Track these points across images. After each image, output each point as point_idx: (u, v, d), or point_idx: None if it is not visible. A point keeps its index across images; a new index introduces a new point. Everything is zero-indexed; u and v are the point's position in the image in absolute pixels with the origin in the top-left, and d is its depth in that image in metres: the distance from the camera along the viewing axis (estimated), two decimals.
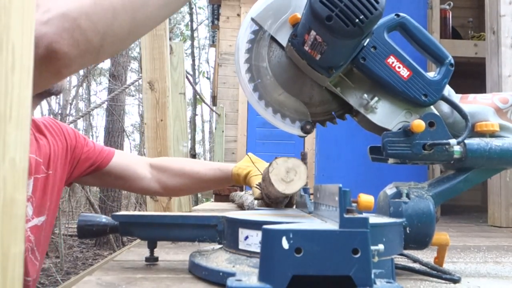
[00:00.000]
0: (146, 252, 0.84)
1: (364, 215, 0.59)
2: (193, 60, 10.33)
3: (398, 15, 0.74)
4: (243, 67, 0.78)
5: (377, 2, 0.64)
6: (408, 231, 0.69)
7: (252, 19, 0.78)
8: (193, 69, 10.32)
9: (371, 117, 0.74)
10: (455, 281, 0.69)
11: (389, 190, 0.74)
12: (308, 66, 0.72)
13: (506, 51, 1.98)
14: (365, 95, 0.74)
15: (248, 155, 1.25)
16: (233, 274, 0.59)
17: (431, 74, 0.75)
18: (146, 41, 1.78)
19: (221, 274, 0.63)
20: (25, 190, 0.37)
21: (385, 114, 0.75)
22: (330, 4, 0.63)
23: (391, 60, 0.72)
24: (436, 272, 0.72)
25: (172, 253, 0.94)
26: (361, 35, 0.65)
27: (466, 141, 0.73)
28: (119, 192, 6.79)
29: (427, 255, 0.89)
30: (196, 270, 0.70)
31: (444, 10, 3.03)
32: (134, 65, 11.35)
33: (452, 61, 0.74)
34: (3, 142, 0.35)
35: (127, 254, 0.94)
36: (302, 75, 0.76)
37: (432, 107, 0.74)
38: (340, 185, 0.56)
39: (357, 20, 0.63)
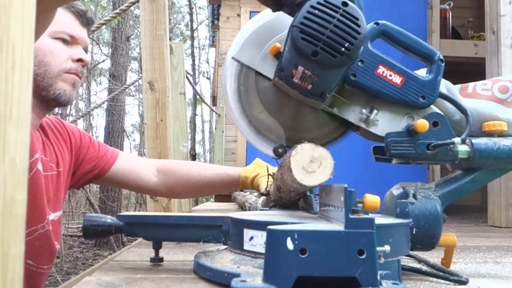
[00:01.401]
0: (146, 252, 0.83)
1: (370, 215, 0.58)
2: (193, 60, 10.34)
3: (377, 23, 0.73)
4: (233, 102, 0.78)
5: (359, 26, 0.62)
6: (414, 232, 0.68)
7: (233, 58, 0.76)
8: (193, 69, 10.33)
9: (374, 130, 0.73)
10: (463, 282, 0.68)
11: (396, 190, 0.73)
12: (300, 95, 0.70)
13: (506, 51, 1.97)
14: (363, 110, 0.73)
15: (257, 160, 1.25)
16: (237, 275, 0.59)
17: (422, 73, 0.74)
18: (146, 41, 1.77)
19: (225, 274, 0.62)
20: (25, 190, 0.37)
21: (387, 124, 0.74)
22: (312, 39, 0.62)
23: (381, 70, 0.71)
24: (443, 273, 0.71)
25: (172, 253, 0.93)
26: (350, 61, 0.64)
27: (473, 140, 0.72)
28: (119, 192, 6.80)
29: (434, 256, 0.89)
30: (200, 271, 0.69)
31: (444, 10, 3.03)
32: (134, 65, 11.37)
33: (441, 57, 0.74)
34: (3, 142, 0.34)
35: (127, 254, 0.93)
36: (295, 103, 0.75)
37: (433, 106, 0.74)
38: (346, 185, 0.56)
39: (343, 49, 0.61)
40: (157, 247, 0.81)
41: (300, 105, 0.75)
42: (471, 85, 0.79)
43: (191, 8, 9.94)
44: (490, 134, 0.74)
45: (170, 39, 2.15)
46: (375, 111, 0.73)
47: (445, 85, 0.77)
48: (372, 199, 0.61)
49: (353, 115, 0.74)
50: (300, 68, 0.65)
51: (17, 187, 0.35)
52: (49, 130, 1.10)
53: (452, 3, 3.05)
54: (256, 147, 0.79)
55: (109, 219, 0.80)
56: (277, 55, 0.72)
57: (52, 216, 1.05)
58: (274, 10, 0.71)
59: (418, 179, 0.78)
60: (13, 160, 0.35)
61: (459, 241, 0.75)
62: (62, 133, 1.13)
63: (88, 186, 6.25)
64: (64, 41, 1.03)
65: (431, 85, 0.72)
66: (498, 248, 1.15)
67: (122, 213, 0.80)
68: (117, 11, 2.17)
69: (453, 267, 0.77)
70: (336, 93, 0.73)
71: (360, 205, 0.60)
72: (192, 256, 0.76)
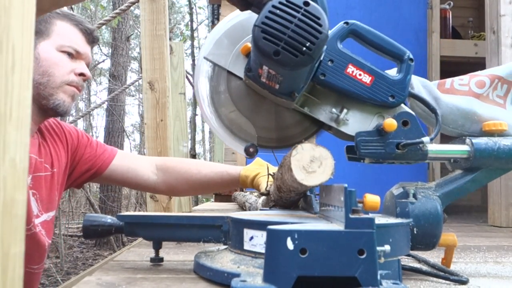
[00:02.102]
0: (146, 252, 0.83)
1: (370, 215, 0.58)
2: (193, 60, 10.32)
3: (347, 23, 0.73)
4: (205, 101, 0.78)
5: (320, 25, 0.62)
6: (415, 232, 0.68)
7: (205, 58, 0.76)
8: (193, 69, 10.32)
9: (344, 129, 0.73)
10: (463, 282, 0.68)
11: (396, 190, 0.73)
12: (270, 94, 0.71)
13: (506, 50, 1.97)
14: (334, 109, 0.73)
15: (257, 159, 1.25)
16: (237, 275, 0.59)
17: (393, 72, 0.74)
18: (146, 41, 1.77)
19: (226, 274, 0.62)
20: (25, 190, 0.37)
21: (358, 123, 0.74)
22: (274, 38, 0.62)
23: (351, 69, 0.71)
24: (443, 273, 0.71)
25: (172, 253, 0.93)
26: (312, 61, 0.64)
27: (474, 140, 0.72)
28: (119, 192, 6.80)
29: (434, 256, 0.89)
30: (201, 271, 0.69)
31: (444, 10, 3.03)
32: (134, 65, 11.36)
33: (411, 56, 0.73)
34: (3, 142, 0.34)
35: (127, 254, 0.93)
36: (266, 103, 0.75)
37: (404, 106, 0.74)
38: (346, 185, 0.56)
39: (304, 48, 0.62)
40: (157, 247, 0.81)
41: (272, 104, 0.76)
42: (448, 80, 0.79)
43: (191, 8, 9.93)
44: (490, 134, 0.74)
45: (170, 39, 2.15)
46: (345, 110, 0.73)
47: (420, 83, 0.77)
48: (372, 199, 0.61)
49: (324, 114, 0.74)
50: (265, 68, 0.65)
51: (17, 187, 0.35)
52: (46, 132, 1.12)
53: (452, 3, 3.05)
54: (229, 146, 0.79)
55: (109, 219, 0.80)
56: (248, 55, 0.72)
57: (44, 216, 1.06)
58: (242, 10, 0.72)
59: (418, 178, 0.78)
60: (13, 160, 0.35)
61: (459, 241, 0.75)
62: (59, 134, 1.16)
63: (88, 186, 6.25)
64: (69, 54, 1.07)
65: (401, 84, 0.72)
66: (498, 248, 1.15)
67: (122, 213, 0.80)
68: (117, 11, 2.17)
69: (453, 267, 0.77)
70: (307, 93, 0.73)
71: (360, 205, 0.60)
72: (192, 256, 0.76)
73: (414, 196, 0.70)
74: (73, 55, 1.08)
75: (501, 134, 0.74)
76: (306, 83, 0.71)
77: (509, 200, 1.88)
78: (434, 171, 2.74)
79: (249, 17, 0.74)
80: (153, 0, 1.77)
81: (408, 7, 2.67)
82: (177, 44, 2.49)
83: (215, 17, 7.15)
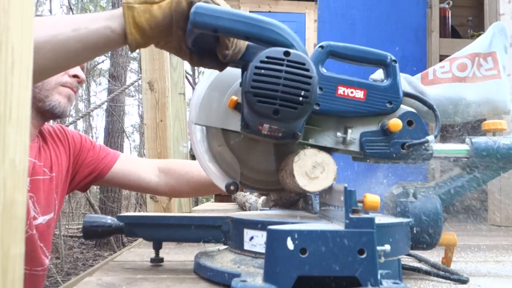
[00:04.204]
0: (146, 253, 0.83)
1: (370, 215, 0.58)
2: None
3: (321, 47, 0.72)
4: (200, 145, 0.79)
5: (308, 70, 0.61)
6: (415, 231, 0.68)
7: (197, 124, 0.76)
8: (193, 69, 10.31)
9: (353, 148, 0.73)
10: (463, 281, 0.68)
11: (396, 190, 0.73)
12: (273, 140, 0.70)
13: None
14: (338, 133, 0.72)
15: None
16: (238, 275, 0.59)
17: (379, 74, 0.74)
18: None
19: (226, 275, 0.62)
20: (25, 191, 0.37)
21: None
22: (268, 99, 0.60)
23: (341, 90, 0.70)
24: (444, 272, 0.71)
25: (172, 254, 0.93)
26: (311, 107, 0.63)
27: (473, 139, 0.72)
28: (119, 193, 6.80)
29: (434, 255, 0.89)
30: (201, 271, 0.69)
31: (444, 9, 3.03)
32: (134, 65, 11.35)
33: (393, 57, 0.73)
34: (2, 143, 0.34)
35: (127, 255, 0.93)
36: (266, 146, 0.76)
37: (403, 106, 0.73)
38: (346, 185, 0.56)
39: (300, 98, 0.61)
40: (157, 247, 0.81)
41: (271, 146, 0.76)
42: (430, 70, 0.79)
43: None
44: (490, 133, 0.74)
45: None
46: (349, 130, 0.72)
47: (406, 80, 0.76)
48: (372, 198, 0.61)
49: (329, 140, 0.73)
50: (266, 125, 0.64)
51: (17, 188, 0.35)
52: (48, 137, 1.14)
53: (451, 2, 3.05)
54: (210, 177, 0.79)
55: (109, 219, 0.80)
56: (237, 106, 0.71)
57: (40, 219, 1.07)
58: (221, 70, 0.71)
59: (418, 178, 0.78)
60: (12, 161, 0.35)
61: (459, 240, 0.75)
62: (62, 140, 1.18)
63: None
64: None
65: (393, 88, 0.72)
66: (498, 247, 1.15)
67: (122, 214, 0.80)
68: None
69: (453, 266, 0.77)
70: (307, 124, 0.72)
71: (360, 204, 0.60)
72: (192, 256, 0.76)
73: (414, 195, 0.70)
74: None
75: (500, 133, 0.74)
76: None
77: (509, 199, 1.88)
78: (434, 171, 2.74)
79: (224, 71, 0.73)
80: None
81: (408, 6, 2.66)
82: None
83: None
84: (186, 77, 2.58)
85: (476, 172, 0.73)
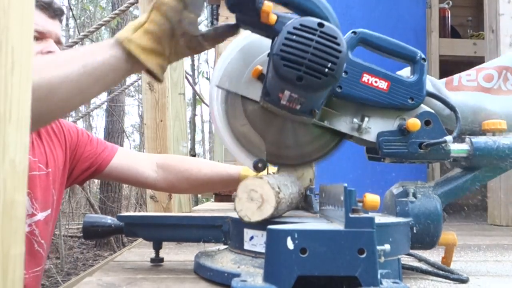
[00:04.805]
0: (146, 253, 0.83)
1: (370, 214, 0.58)
2: (193, 61, 10.32)
3: (355, 32, 0.73)
4: (219, 115, 0.79)
5: (338, 44, 0.62)
6: (415, 231, 0.69)
7: (218, 86, 0.76)
8: (193, 70, 10.31)
9: (367, 137, 0.73)
10: (463, 281, 0.68)
11: (396, 189, 0.73)
12: (289, 114, 0.70)
13: (505, 50, 1.97)
14: (355, 119, 0.73)
15: None
16: (238, 275, 0.59)
17: (406, 72, 0.74)
18: None
19: (226, 274, 0.63)
20: (25, 191, 0.37)
21: (379, 129, 0.74)
22: (295, 64, 0.62)
23: (366, 77, 0.71)
24: (443, 272, 0.71)
25: (172, 254, 0.93)
26: (336, 81, 0.64)
27: (473, 139, 0.72)
28: (119, 193, 6.79)
29: (434, 255, 0.89)
30: (201, 271, 0.69)
31: (443, 9, 3.02)
32: None
33: (423, 56, 0.74)
34: (2, 143, 0.34)
35: (127, 255, 0.94)
36: (281, 120, 0.75)
37: (423, 105, 0.73)
38: (345, 185, 0.56)
39: (326, 70, 0.62)
40: (157, 247, 0.81)
41: (288, 122, 0.75)
42: (456, 77, 0.79)
43: None
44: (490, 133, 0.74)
45: None
46: (366, 118, 0.73)
47: (430, 82, 0.76)
48: (372, 198, 0.61)
49: (344, 125, 0.74)
50: (287, 92, 0.65)
51: (17, 188, 0.35)
52: (43, 131, 1.11)
53: (451, 2, 3.05)
54: (238, 160, 0.79)
55: (109, 219, 0.80)
56: (260, 77, 0.72)
57: (39, 216, 1.06)
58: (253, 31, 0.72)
59: (417, 178, 0.78)
60: (12, 161, 0.35)
61: (459, 240, 0.76)
62: (57, 133, 1.14)
63: (88, 186, 6.24)
64: (34, 38, 1.02)
65: (418, 85, 0.72)
66: (498, 246, 1.15)
67: (122, 214, 0.80)
68: (116, 11, 2.16)
69: (453, 266, 0.77)
70: (325, 106, 0.73)
71: (360, 204, 0.60)
72: (193, 256, 0.76)
73: (414, 195, 0.70)
74: (38, 37, 1.03)
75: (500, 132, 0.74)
76: (325, 100, 0.71)
77: (509, 198, 1.88)
78: (434, 170, 2.73)
79: (254, 40, 0.75)
80: (153, 1, 1.77)
81: (407, 6, 2.66)
82: None
83: (214, 18, 7.13)
84: (186, 77, 2.58)
85: (476, 172, 0.73)
